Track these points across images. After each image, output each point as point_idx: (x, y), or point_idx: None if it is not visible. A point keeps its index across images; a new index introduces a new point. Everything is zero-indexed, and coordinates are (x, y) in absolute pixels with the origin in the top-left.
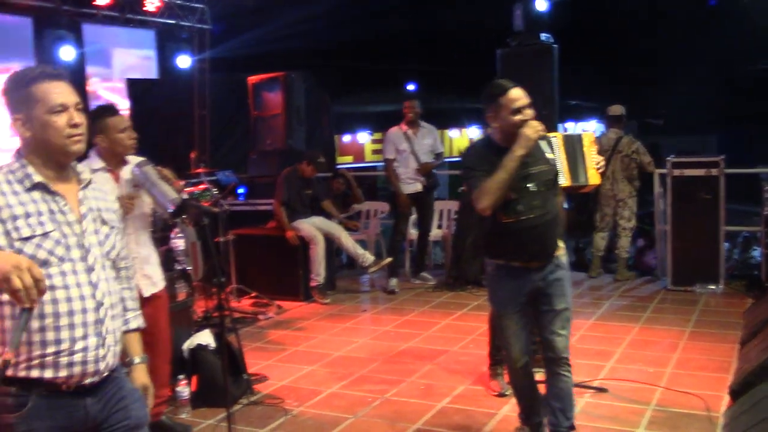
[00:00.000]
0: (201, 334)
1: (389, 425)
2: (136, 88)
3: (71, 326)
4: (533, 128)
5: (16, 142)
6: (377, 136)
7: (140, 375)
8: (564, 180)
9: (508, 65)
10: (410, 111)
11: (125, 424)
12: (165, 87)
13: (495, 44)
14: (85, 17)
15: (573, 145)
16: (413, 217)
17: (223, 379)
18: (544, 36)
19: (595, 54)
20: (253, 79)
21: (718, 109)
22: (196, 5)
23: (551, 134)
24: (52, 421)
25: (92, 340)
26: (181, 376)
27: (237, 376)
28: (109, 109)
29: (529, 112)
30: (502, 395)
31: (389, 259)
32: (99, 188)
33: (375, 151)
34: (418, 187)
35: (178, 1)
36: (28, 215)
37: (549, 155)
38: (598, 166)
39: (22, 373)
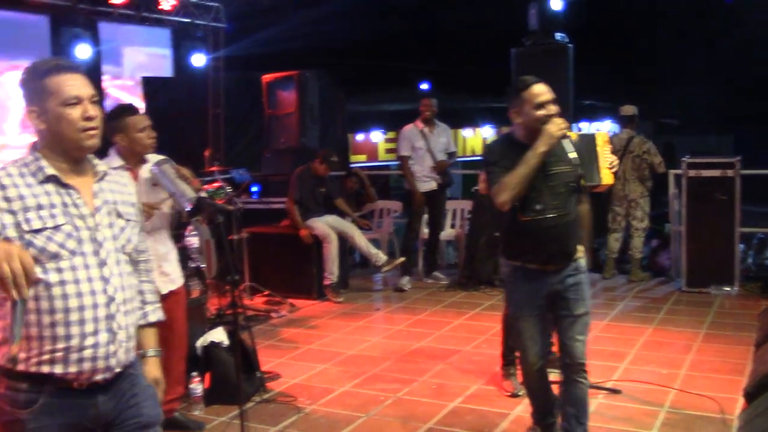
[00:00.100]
0: (214, 332)
1: (401, 424)
2: (150, 86)
3: (81, 322)
4: (557, 125)
5: (26, 138)
6: (391, 135)
7: (152, 368)
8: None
9: (522, 64)
10: (428, 109)
11: (137, 422)
12: (180, 85)
13: (509, 44)
14: (101, 15)
15: (586, 144)
16: (425, 215)
17: (236, 377)
18: (559, 35)
19: (610, 53)
20: (267, 77)
21: (734, 109)
22: (211, 4)
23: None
24: (63, 418)
25: (103, 336)
26: (194, 373)
27: (250, 373)
28: (129, 108)
29: (553, 108)
30: (515, 395)
31: (402, 259)
32: (116, 180)
33: (388, 150)
34: (432, 185)
35: (193, 0)
36: (39, 207)
37: (571, 154)
38: (612, 166)
39: (33, 369)
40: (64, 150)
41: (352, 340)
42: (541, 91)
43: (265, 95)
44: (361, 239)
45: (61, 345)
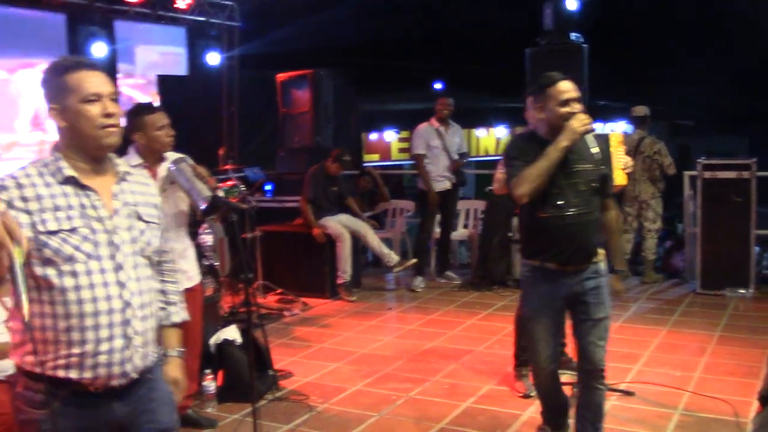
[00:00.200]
0: (227, 330)
1: (414, 424)
2: (165, 84)
3: (96, 327)
4: (580, 121)
5: (36, 136)
6: (404, 134)
7: (173, 368)
8: None
9: (537, 64)
10: (445, 108)
11: (151, 427)
12: (194, 84)
13: (524, 43)
14: (118, 14)
15: (600, 144)
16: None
17: (249, 375)
18: (574, 35)
19: (625, 54)
20: (281, 76)
21: (750, 110)
22: (226, 2)
23: None
24: (78, 421)
25: (118, 342)
26: (207, 371)
27: (262, 371)
28: (148, 107)
29: (577, 106)
30: (527, 396)
31: (414, 261)
32: (138, 181)
33: (401, 150)
34: (447, 185)
35: None
36: (57, 209)
37: (594, 149)
38: (625, 167)
39: (49, 372)
40: (84, 149)
41: (364, 339)
42: (566, 88)
43: (280, 94)
44: (373, 239)
45: (76, 350)
